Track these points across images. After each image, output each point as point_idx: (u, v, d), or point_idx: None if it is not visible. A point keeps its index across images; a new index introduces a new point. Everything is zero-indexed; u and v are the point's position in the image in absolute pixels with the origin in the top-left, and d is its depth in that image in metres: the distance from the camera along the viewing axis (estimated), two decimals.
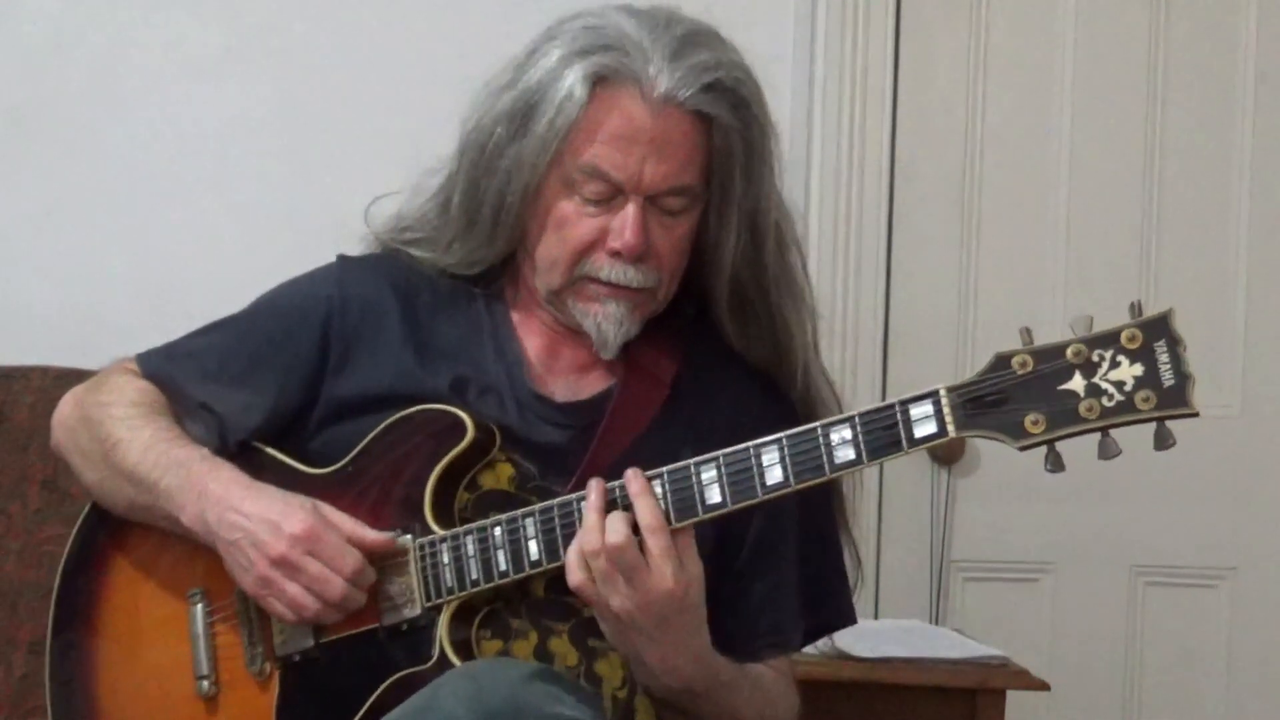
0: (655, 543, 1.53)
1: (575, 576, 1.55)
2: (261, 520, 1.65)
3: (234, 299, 1.87)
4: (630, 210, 1.67)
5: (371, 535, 1.66)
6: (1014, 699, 2.45)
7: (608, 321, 1.71)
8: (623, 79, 1.65)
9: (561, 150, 1.67)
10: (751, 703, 1.71)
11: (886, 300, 3.05)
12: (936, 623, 2.99)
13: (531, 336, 1.80)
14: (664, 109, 1.65)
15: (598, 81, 1.65)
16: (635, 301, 1.72)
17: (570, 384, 1.78)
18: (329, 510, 1.67)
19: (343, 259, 1.86)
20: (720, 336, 1.79)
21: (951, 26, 3.09)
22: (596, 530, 1.54)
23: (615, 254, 1.68)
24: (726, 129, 1.68)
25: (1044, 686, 2.42)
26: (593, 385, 1.78)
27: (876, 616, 2.88)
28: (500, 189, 1.71)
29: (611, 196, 1.68)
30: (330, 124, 2.89)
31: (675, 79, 1.64)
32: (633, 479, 1.56)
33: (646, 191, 1.67)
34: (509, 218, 1.72)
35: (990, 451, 3.04)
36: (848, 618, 1.86)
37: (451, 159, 1.77)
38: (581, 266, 1.70)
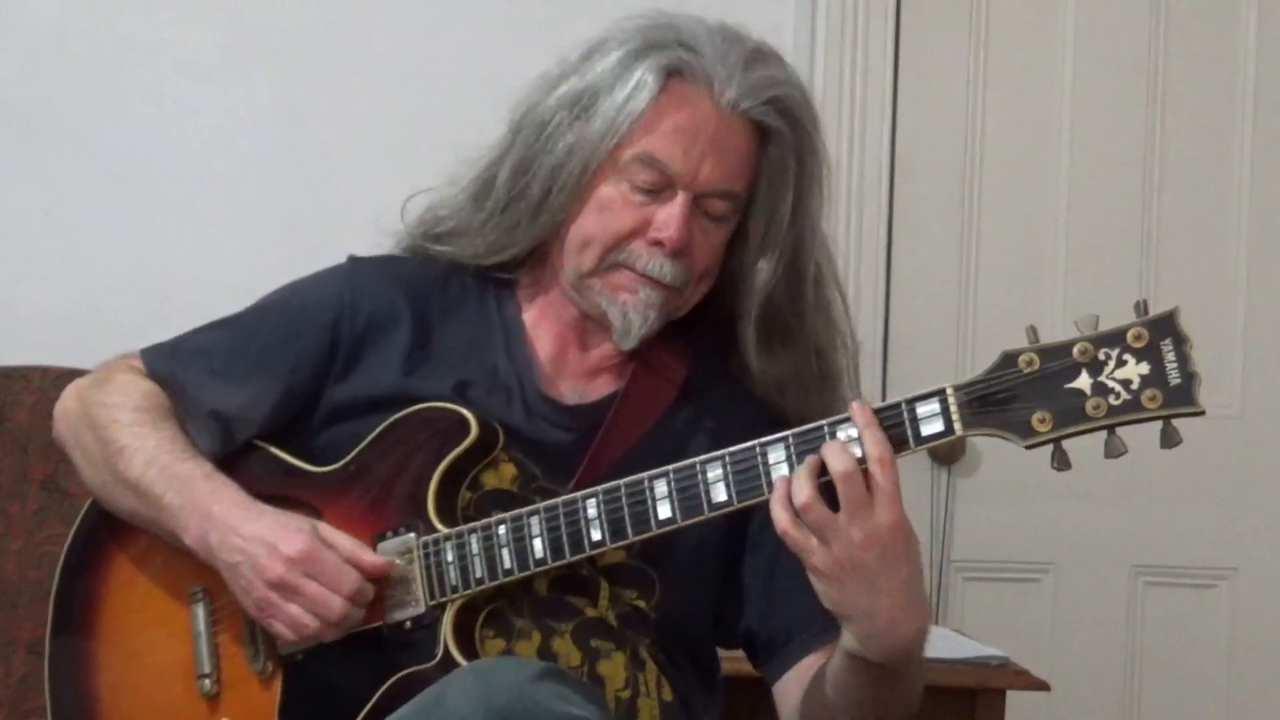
0: (884, 476, 1.45)
1: (784, 520, 1.46)
2: (259, 542, 1.64)
3: (233, 299, 1.86)
4: (678, 203, 1.68)
5: (369, 557, 1.66)
6: (1014, 699, 2.44)
7: (634, 311, 1.71)
8: (695, 77, 1.68)
9: (624, 136, 1.68)
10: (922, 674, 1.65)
11: (886, 300, 3.05)
12: (936, 623, 2.98)
13: (543, 338, 1.79)
14: (729, 114, 1.68)
15: (671, 74, 1.68)
16: (664, 296, 1.72)
17: (579, 387, 1.78)
18: (328, 530, 1.67)
19: (354, 260, 1.85)
20: (732, 346, 1.78)
21: (951, 27, 3.09)
22: (842, 451, 1.45)
23: (656, 245, 1.69)
24: (784, 144, 1.70)
25: (1044, 686, 2.42)
26: (601, 388, 1.78)
27: None
28: (554, 167, 1.71)
29: (661, 188, 1.69)
30: (330, 125, 2.89)
31: (744, 88, 1.68)
32: (859, 411, 1.48)
33: (698, 189, 1.69)
34: (560, 196, 1.72)
35: (991, 451, 3.05)
36: None
37: (498, 142, 1.77)
38: (618, 253, 1.71)
